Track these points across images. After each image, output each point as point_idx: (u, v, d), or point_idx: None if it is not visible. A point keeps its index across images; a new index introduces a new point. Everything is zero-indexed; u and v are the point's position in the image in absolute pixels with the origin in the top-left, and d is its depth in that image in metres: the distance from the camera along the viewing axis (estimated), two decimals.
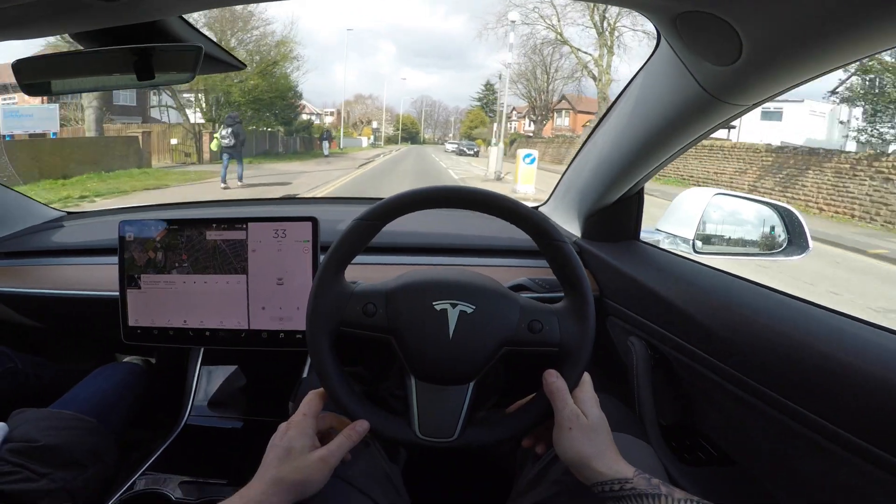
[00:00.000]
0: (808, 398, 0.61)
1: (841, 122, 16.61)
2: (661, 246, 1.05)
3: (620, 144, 0.91)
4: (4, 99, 13.73)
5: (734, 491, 0.77)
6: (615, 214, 1.07)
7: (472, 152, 35.21)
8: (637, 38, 21.26)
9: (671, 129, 0.80)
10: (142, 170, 12.34)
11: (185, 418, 1.04)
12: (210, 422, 1.06)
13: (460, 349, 0.60)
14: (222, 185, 9.93)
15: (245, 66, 0.90)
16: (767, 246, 1.01)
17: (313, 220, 0.89)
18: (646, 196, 1.06)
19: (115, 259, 0.94)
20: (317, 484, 0.56)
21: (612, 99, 0.96)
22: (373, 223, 0.63)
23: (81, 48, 0.73)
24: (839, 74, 12.47)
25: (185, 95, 18.29)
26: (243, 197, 7.65)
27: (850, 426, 0.55)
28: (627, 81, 0.88)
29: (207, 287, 0.91)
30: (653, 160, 0.89)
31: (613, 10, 19.40)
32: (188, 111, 17.84)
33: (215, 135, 10.64)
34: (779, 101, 18.24)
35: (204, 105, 17.95)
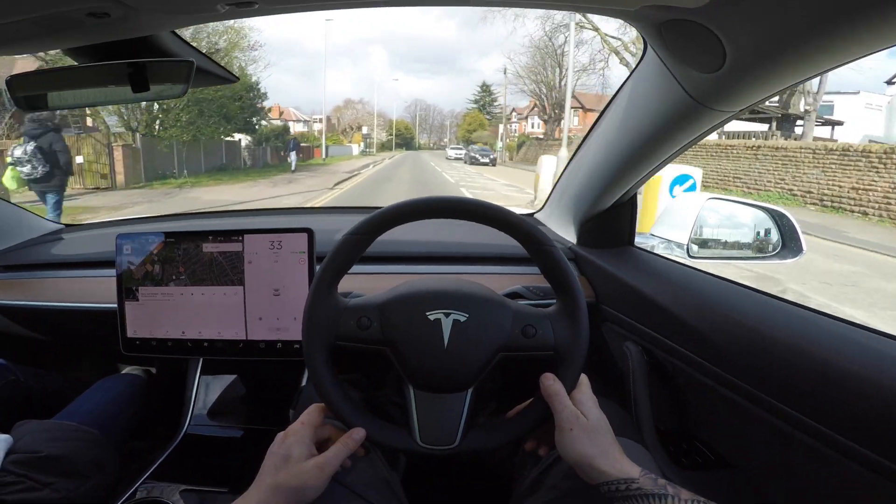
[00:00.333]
0: (804, 402, 0.61)
1: None
2: (656, 251, 1.06)
3: (611, 151, 0.92)
4: None
5: (731, 495, 0.78)
6: (609, 221, 1.07)
7: (486, 160, 26.95)
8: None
9: (660, 135, 0.80)
10: None
11: (186, 427, 1.05)
12: (210, 431, 1.07)
13: (456, 358, 0.61)
14: None
15: (238, 78, 0.90)
16: (761, 249, 1.02)
17: (309, 232, 0.90)
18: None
19: (114, 272, 0.94)
20: (314, 490, 0.56)
21: None
22: (363, 237, 0.63)
23: (76, 63, 0.74)
24: None
25: None
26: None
27: (847, 431, 0.56)
28: (617, 88, 0.89)
29: (205, 299, 0.92)
30: (643, 167, 0.89)
31: None
32: (106, 116, 12.75)
33: (7, 157, 5.19)
34: (829, 93, 16.15)
35: (124, 107, 12.40)
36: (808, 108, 13.50)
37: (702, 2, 0.51)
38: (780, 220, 1.00)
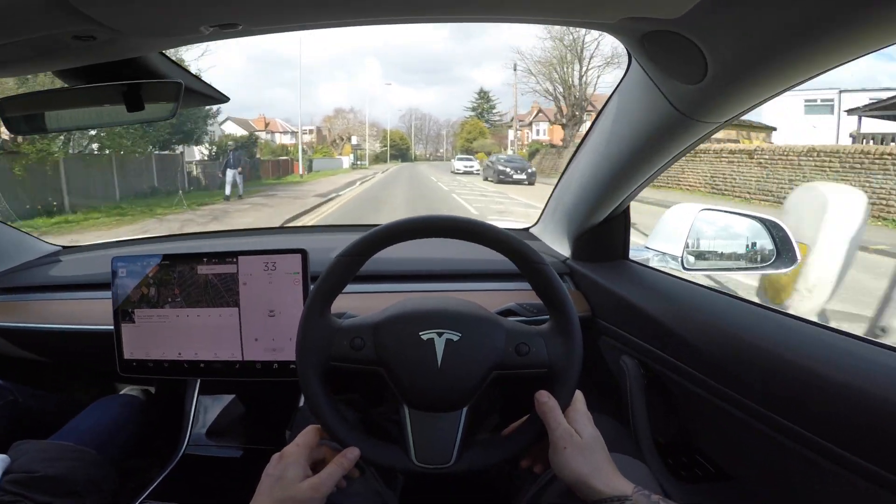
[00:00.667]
0: (801, 415, 0.61)
1: None
2: (651, 264, 1.05)
3: (601, 165, 0.92)
4: None
5: None
6: (603, 234, 1.07)
7: (522, 175, 17.44)
8: None
9: (648, 148, 0.80)
10: None
11: (184, 447, 1.05)
12: (208, 451, 1.07)
13: (450, 377, 0.61)
14: None
15: (228, 98, 0.91)
16: (756, 260, 1.02)
17: (303, 253, 0.90)
18: None
19: (110, 294, 0.95)
20: None
21: None
22: (355, 258, 0.64)
23: (66, 85, 0.75)
24: None
25: None
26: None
27: (844, 442, 0.56)
28: (604, 102, 0.89)
29: (200, 320, 0.92)
30: (633, 180, 0.90)
31: None
32: None
33: None
34: (832, 90, 15.77)
35: None
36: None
37: (680, 12, 0.52)
38: (773, 229, 1.00)
